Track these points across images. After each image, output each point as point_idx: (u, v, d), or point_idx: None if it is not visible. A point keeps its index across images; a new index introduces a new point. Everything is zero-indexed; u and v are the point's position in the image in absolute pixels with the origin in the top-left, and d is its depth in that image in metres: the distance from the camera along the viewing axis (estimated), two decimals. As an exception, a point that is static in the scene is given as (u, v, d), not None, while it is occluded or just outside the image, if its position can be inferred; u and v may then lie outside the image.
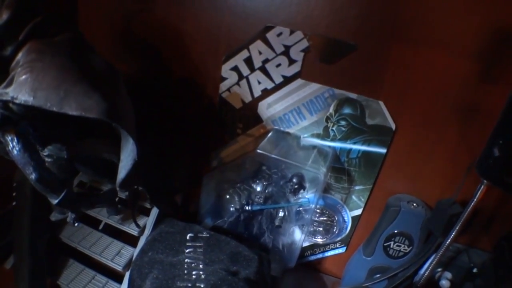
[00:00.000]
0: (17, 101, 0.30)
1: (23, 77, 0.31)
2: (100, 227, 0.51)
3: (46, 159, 0.37)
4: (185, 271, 0.41)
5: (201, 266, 0.43)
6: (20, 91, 0.30)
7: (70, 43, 0.35)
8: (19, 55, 0.33)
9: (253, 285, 0.42)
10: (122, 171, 0.36)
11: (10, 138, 0.34)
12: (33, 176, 0.35)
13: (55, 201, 0.37)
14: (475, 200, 0.39)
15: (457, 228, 0.40)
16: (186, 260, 0.43)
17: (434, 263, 0.44)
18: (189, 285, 0.40)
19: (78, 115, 0.31)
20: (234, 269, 0.43)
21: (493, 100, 0.41)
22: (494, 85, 0.40)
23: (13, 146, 0.34)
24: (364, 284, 0.50)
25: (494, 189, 0.37)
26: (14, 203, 0.50)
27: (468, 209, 0.39)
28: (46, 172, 0.36)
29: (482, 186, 0.38)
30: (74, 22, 0.46)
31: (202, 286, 0.40)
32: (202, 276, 0.41)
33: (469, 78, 0.41)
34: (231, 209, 0.50)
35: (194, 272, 0.41)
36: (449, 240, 0.41)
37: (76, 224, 0.41)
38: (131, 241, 0.50)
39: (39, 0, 0.36)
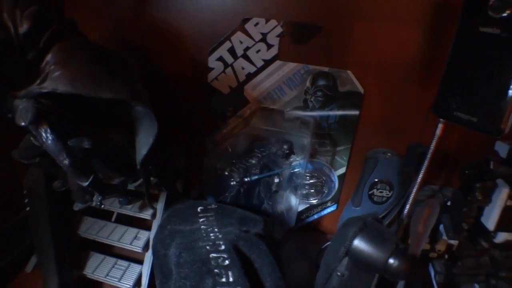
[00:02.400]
0: (58, 91, 0.39)
1: (58, 72, 0.40)
2: (113, 218, 0.59)
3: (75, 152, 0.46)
4: (204, 235, 0.50)
5: (216, 229, 0.52)
6: (59, 83, 0.39)
7: (88, 42, 0.44)
8: (48, 57, 0.41)
9: (263, 239, 0.52)
10: (144, 148, 0.46)
11: (43, 129, 0.42)
12: (66, 162, 0.43)
13: (85, 183, 0.45)
14: (436, 136, 0.51)
15: (425, 163, 0.52)
16: (202, 227, 0.52)
17: (410, 201, 0.56)
18: (210, 243, 0.49)
19: (111, 98, 0.40)
20: (244, 228, 0.53)
21: (441, 56, 0.54)
22: (439, 45, 0.53)
23: (47, 137, 0.43)
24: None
25: (451, 127, 0.50)
26: (27, 209, 0.57)
27: (432, 145, 0.51)
28: (76, 159, 0.45)
29: (440, 124, 0.51)
30: (77, 27, 0.55)
31: (221, 243, 0.49)
32: (219, 236, 0.50)
33: (420, 42, 0.54)
34: (232, 183, 0.60)
35: (211, 235, 0.51)
36: (421, 175, 0.53)
37: (102, 206, 0.49)
38: (145, 227, 0.59)
39: (53, 10, 0.45)
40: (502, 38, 0.43)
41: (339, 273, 0.46)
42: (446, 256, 0.59)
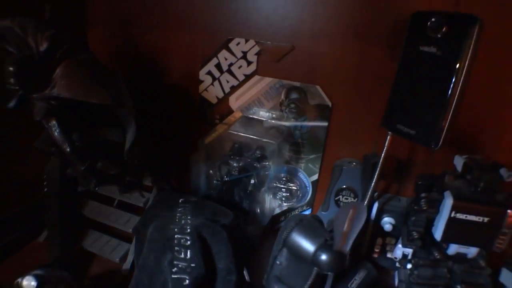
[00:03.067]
0: (61, 96, 0.52)
1: (63, 82, 0.53)
2: (114, 204, 0.72)
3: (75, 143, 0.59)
4: (177, 220, 0.61)
5: (188, 217, 0.62)
6: (62, 90, 0.53)
7: (88, 60, 0.58)
8: (58, 70, 0.55)
9: (228, 230, 0.61)
10: (128, 143, 0.58)
11: (52, 124, 0.56)
12: (68, 149, 0.57)
13: (82, 168, 0.59)
14: (385, 147, 0.57)
15: (377, 171, 0.58)
16: (177, 215, 0.62)
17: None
18: (179, 227, 0.59)
19: (97, 103, 0.53)
20: (214, 219, 0.62)
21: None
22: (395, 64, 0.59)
23: (55, 129, 0.56)
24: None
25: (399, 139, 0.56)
26: (45, 190, 0.71)
27: (382, 155, 0.57)
28: (76, 148, 0.58)
29: (388, 136, 0.56)
30: (87, 45, 0.69)
31: (188, 227, 0.59)
32: (189, 222, 0.60)
33: (382, 60, 0.61)
34: (215, 182, 0.70)
35: (183, 221, 0.61)
36: (373, 182, 0.59)
37: (96, 189, 0.62)
38: (138, 213, 0.70)
39: (66, 32, 0.60)
40: (438, 57, 0.48)
41: (278, 262, 0.54)
42: (409, 266, 0.63)
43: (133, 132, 0.56)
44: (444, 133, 0.49)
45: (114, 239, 0.69)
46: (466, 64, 0.46)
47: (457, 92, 0.47)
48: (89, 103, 0.59)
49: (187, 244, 0.56)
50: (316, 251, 0.49)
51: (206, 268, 0.55)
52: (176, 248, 0.56)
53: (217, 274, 0.56)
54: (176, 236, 0.57)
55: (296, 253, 0.52)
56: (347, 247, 0.50)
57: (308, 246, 0.50)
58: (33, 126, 0.67)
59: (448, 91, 0.47)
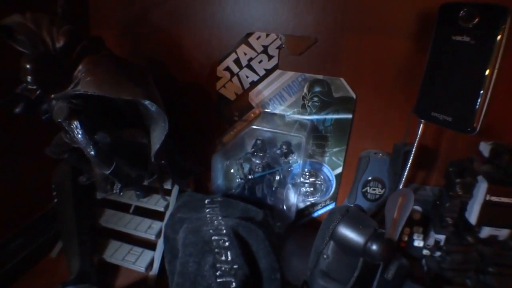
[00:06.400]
0: (89, 93, 0.49)
1: (89, 78, 0.50)
2: (131, 210, 0.69)
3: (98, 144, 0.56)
4: (208, 221, 0.59)
5: (219, 218, 0.60)
6: (89, 87, 0.49)
7: (111, 56, 0.55)
8: (80, 67, 0.52)
9: (261, 227, 0.60)
10: (157, 143, 0.55)
11: (75, 125, 0.53)
12: (92, 152, 0.53)
13: (108, 171, 0.55)
14: (418, 136, 0.58)
15: (410, 160, 0.59)
16: (207, 216, 0.60)
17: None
18: (213, 228, 0.57)
19: (130, 99, 0.50)
20: (246, 217, 0.61)
21: (423, 63, 0.61)
22: (422, 53, 0.61)
23: (78, 131, 0.53)
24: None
25: (430, 127, 0.57)
26: (55, 200, 0.67)
27: (415, 143, 0.58)
28: (100, 150, 0.55)
29: (421, 125, 0.58)
30: (104, 42, 0.66)
31: (223, 228, 0.57)
32: (222, 222, 0.58)
33: (405, 51, 0.62)
34: (237, 180, 0.69)
35: (215, 221, 0.59)
36: (406, 172, 0.60)
37: (121, 194, 0.59)
38: (158, 218, 0.67)
39: (83, 29, 0.56)
40: (472, 45, 0.50)
41: (325, 256, 0.54)
42: (439, 253, 0.65)
43: (165, 130, 0.54)
44: (482, 118, 0.51)
45: (136, 247, 0.66)
46: (501, 51, 0.48)
47: (493, 78, 0.49)
48: (113, 102, 0.57)
49: (226, 245, 0.55)
50: (367, 241, 0.49)
51: (249, 267, 0.53)
52: (216, 250, 0.54)
53: (261, 273, 0.55)
54: (213, 238, 0.55)
55: (345, 246, 0.51)
56: (397, 235, 0.51)
57: (357, 237, 0.50)
58: (35, 131, 0.63)
59: (485, 77, 0.49)
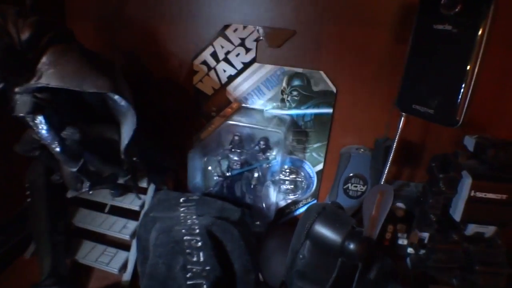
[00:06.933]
0: (50, 86, 0.46)
1: (51, 70, 0.47)
2: (106, 210, 0.66)
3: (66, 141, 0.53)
4: (182, 220, 0.56)
5: (194, 217, 0.57)
6: (52, 79, 0.46)
7: (78, 46, 0.52)
8: (44, 58, 0.49)
9: (237, 226, 0.56)
10: (126, 139, 0.52)
11: (39, 120, 0.49)
12: (58, 149, 0.50)
13: (74, 169, 0.52)
14: (399, 130, 0.55)
15: (391, 156, 0.56)
16: (181, 215, 0.57)
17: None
18: (186, 227, 0.54)
19: (94, 92, 0.47)
20: (222, 217, 0.58)
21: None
22: (405, 44, 0.58)
23: (42, 127, 0.50)
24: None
25: (414, 121, 0.54)
26: (28, 200, 0.64)
27: (396, 138, 0.55)
28: (67, 147, 0.52)
29: (402, 118, 0.55)
30: (73, 34, 0.63)
31: (196, 227, 0.54)
32: (196, 222, 0.55)
33: (387, 43, 0.59)
34: (215, 178, 0.66)
35: (189, 221, 0.56)
36: (386, 168, 0.57)
37: (90, 192, 0.56)
38: (134, 217, 0.64)
39: (51, 19, 0.53)
40: (454, 34, 0.47)
41: (301, 256, 0.50)
42: (423, 251, 0.62)
43: (133, 124, 0.51)
44: (464, 110, 0.48)
45: (110, 248, 0.63)
46: (484, 39, 0.45)
47: (476, 68, 0.46)
48: (80, 96, 0.54)
49: (198, 245, 0.52)
50: (344, 240, 0.46)
51: (222, 268, 0.50)
52: (187, 251, 0.51)
53: (234, 274, 0.52)
54: (185, 238, 0.52)
55: (322, 245, 0.48)
56: (376, 234, 0.48)
57: (334, 236, 0.47)
58: (9, 127, 0.59)
59: (467, 68, 0.46)
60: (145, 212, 0.60)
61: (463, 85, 0.46)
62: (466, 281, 0.59)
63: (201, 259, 0.50)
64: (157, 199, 0.62)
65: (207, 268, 0.49)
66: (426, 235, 0.59)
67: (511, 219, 0.54)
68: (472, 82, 0.46)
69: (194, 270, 0.49)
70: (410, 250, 0.64)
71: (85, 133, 0.55)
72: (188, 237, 0.52)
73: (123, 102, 0.50)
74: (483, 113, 0.61)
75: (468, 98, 0.47)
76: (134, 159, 0.58)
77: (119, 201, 0.64)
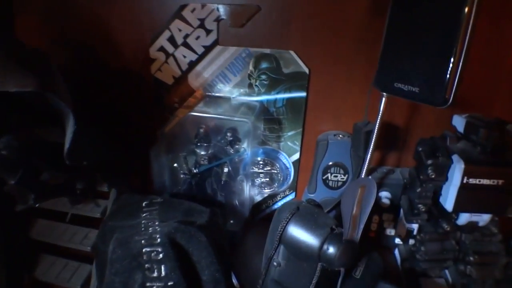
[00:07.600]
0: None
1: (-35, 69, 0.39)
2: (67, 219, 0.58)
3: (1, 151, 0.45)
4: (142, 229, 0.49)
5: (156, 223, 0.50)
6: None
7: (5, 40, 0.44)
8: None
9: (207, 231, 0.50)
10: (67, 142, 0.45)
11: (-39, 129, 0.42)
12: (-12, 160, 0.43)
13: (12, 181, 0.45)
14: (380, 112, 0.48)
15: (373, 141, 0.49)
16: (142, 222, 0.50)
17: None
18: (146, 237, 0.47)
19: (17, 91, 0.39)
20: (187, 221, 0.51)
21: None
22: (383, 15, 0.50)
23: (-34, 136, 0.42)
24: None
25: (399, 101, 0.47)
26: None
27: (377, 121, 0.48)
28: (3, 158, 0.44)
29: (383, 99, 0.47)
30: (10, 25, 0.54)
31: (157, 236, 0.47)
32: (158, 229, 0.48)
33: (365, 16, 0.51)
34: (181, 176, 0.58)
35: (150, 229, 0.49)
36: (369, 155, 0.50)
37: (36, 205, 0.49)
38: (97, 225, 0.57)
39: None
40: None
41: (275, 263, 0.44)
42: (412, 242, 0.56)
43: (73, 126, 0.43)
44: (454, 87, 0.40)
45: (72, 261, 0.56)
46: (475, 4, 0.37)
47: (467, 38, 0.38)
48: (22, 97, 0.46)
49: (159, 258, 0.45)
50: (322, 244, 0.39)
51: (187, 282, 0.44)
52: (146, 265, 0.44)
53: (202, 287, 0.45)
54: (144, 250, 0.45)
55: (297, 250, 0.42)
56: (359, 235, 0.41)
57: (311, 239, 0.40)
58: None
59: (457, 38, 0.38)
60: (103, 221, 0.52)
61: (452, 59, 0.39)
62: (460, 273, 0.53)
63: (163, 273, 0.43)
64: (118, 205, 0.55)
65: (170, 283, 0.43)
66: (415, 226, 0.53)
67: (508, 206, 0.48)
68: (463, 55, 0.39)
69: (154, 287, 0.42)
70: (397, 240, 0.59)
71: (28, 138, 0.47)
72: (148, 249, 0.45)
73: (57, 101, 0.43)
74: (472, 91, 0.54)
75: (458, 74, 0.39)
76: (85, 163, 0.50)
77: (79, 209, 0.57)
